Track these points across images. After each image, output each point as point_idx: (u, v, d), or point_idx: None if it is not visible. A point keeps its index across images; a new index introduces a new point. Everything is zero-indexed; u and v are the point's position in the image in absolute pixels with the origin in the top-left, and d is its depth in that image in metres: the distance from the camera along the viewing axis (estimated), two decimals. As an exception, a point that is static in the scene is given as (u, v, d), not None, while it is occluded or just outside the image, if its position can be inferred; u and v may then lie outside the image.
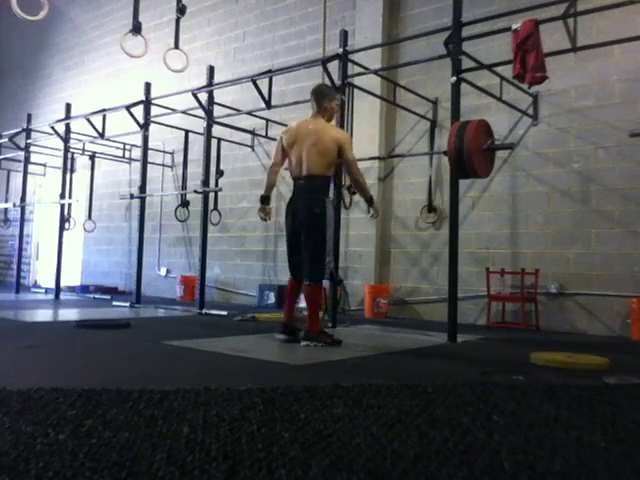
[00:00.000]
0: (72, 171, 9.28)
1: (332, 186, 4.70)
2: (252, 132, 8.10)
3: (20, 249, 9.49)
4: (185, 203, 8.37)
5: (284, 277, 7.95)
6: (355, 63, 5.84)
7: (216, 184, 7.77)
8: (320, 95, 4.37)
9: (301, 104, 6.87)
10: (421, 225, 6.87)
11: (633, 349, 4.79)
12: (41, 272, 11.61)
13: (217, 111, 6.97)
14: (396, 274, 7.04)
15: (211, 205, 7.61)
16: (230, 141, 8.14)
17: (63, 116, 8.66)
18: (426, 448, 1.76)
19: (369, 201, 4.45)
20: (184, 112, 7.40)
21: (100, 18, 11.26)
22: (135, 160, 9.28)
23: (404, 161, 7.04)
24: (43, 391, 2.33)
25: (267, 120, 7.66)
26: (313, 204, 4.17)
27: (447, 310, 4.68)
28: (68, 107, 8.66)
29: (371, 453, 1.70)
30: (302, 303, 4.67)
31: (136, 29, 6.52)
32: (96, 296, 8.78)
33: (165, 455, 1.62)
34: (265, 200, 4.46)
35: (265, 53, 8.54)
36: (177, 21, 6.79)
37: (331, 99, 4.39)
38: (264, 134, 7.84)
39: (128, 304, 7.29)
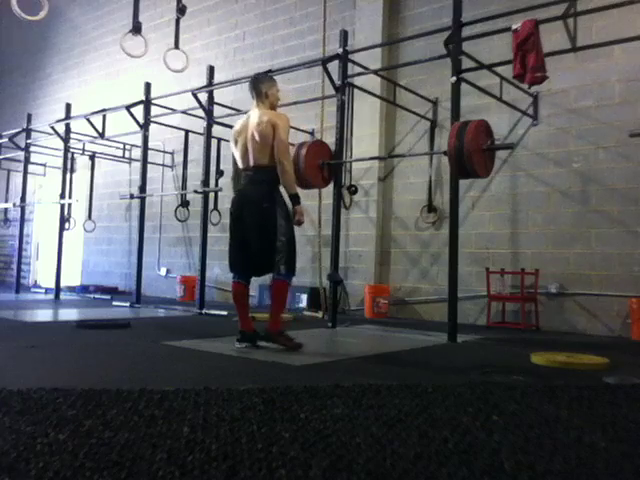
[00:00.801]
0: (72, 171, 9.28)
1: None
2: (252, 132, 8.09)
3: (20, 249, 9.49)
4: (185, 203, 8.37)
5: (284, 277, 7.95)
6: (355, 63, 5.84)
7: (216, 184, 7.77)
8: (257, 81, 4.15)
9: (301, 104, 6.88)
10: (421, 225, 6.87)
11: (633, 349, 4.79)
12: (41, 272, 11.61)
13: (217, 111, 6.98)
14: (396, 274, 7.04)
15: (211, 205, 7.61)
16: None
17: (63, 116, 8.66)
18: (426, 448, 1.76)
19: (293, 200, 3.95)
20: (184, 112, 7.40)
21: (100, 18, 11.26)
22: (135, 160, 9.28)
23: (404, 161, 7.04)
24: (43, 391, 2.33)
25: (267, 120, 7.64)
26: (262, 196, 3.90)
27: (447, 310, 4.69)
28: (68, 107, 8.66)
29: (371, 453, 1.70)
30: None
31: (136, 29, 6.52)
32: (96, 296, 8.78)
33: (165, 455, 1.62)
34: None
35: (265, 53, 8.54)
36: (177, 21, 6.79)
37: (270, 85, 4.12)
38: (264, 134, 7.82)
39: (128, 304, 7.29)
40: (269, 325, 3.95)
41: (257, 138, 3.90)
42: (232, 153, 4.21)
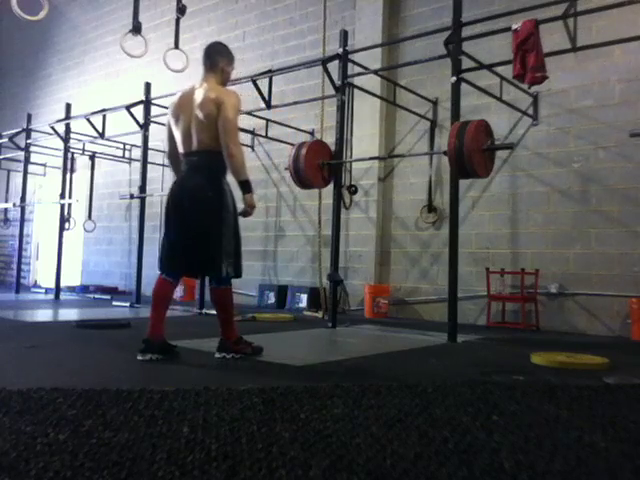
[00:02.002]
0: (72, 171, 9.28)
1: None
2: (252, 132, 8.10)
3: (20, 249, 9.49)
4: (185, 203, 8.35)
5: (284, 277, 7.96)
6: (355, 63, 5.84)
7: (216, 184, 7.75)
8: (215, 52, 3.63)
9: (301, 104, 6.88)
10: (421, 225, 6.87)
11: (633, 349, 4.79)
12: (41, 272, 11.61)
13: (217, 111, 6.96)
14: (396, 274, 7.04)
15: (211, 205, 7.59)
16: (230, 141, 8.13)
17: (63, 116, 8.66)
18: (426, 448, 1.76)
19: (243, 187, 3.43)
20: (184, 112, 7.39)
21: (100, 18, 11.26)
22: (135, 160, 9.28)
23: (404, 161, 7.04)
24: (43, 391, 2.33)
25: (267, 120, 7.65)
26: (205, 184, 3.39)
27: (447, 310, 4.68)
28: (68, 107, 8.66)
29: (371, 453, 1.70)
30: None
31: (136, 29, 6.51)
32: (96, 296, 8.78)
33: (165, 455, 1.62)
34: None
35: (265, 53, 8.54)
36: (177, 21, 6.79)
37: (229, 61, 3.67)
38: (264, 134, 7.83)
39: (128, 304, 7.29)
40: (223, 334, 3.50)
41: (201, 117, 3.41)
42: (167, 129, 3.64)
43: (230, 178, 3.49)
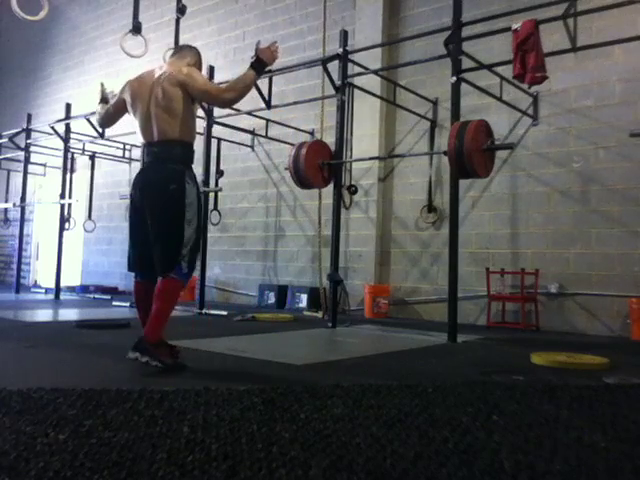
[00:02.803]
0: (72, 171, 9.27)
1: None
2: (252, 132, 8.10)
3: (20, 249, 9.48)
4: (185, 203, 8.35)
5: (284, 277, 7.96)
6: (355, 63, 5.84)
7: (216, 184, 7.77)
8: (188, 47, 3.55)
9: (301, 104, 6.88)
10: (421, 225, 6.87)
11: (633, 349, 4.79)
12: (41, 272, 11.61)
13: (217, 111, 6.97)
14: (396, 274, 7.04)
15: (211, 205, 7.61)
16: (230, 141, 8.14)
17: (63, 116, 8.65)
18: (426, 448, 1.76)
19: (258, 70, 3.25)
20: (184, 112, 7.39)
21: (100, 18, 11.26)
22: (135, 160, 9.27)
23: (404, 161, 7.04)
24: (43, 391, 2.33)
25: (267, 120, 7.65)
26: (168, 178, 3.15)
27: (447, 310, 4.68)
28: (68, 107, 8.66)
29: (371, 453, 1.70)
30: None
31: (136, 29, 6.51)
32: (96, 296, 8.78)
33: (165, 455, 1.62)
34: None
35: (265, 53, 8.52)
36: (177, 21, 6.77)
37: (195, 61, 3.45)
38: (264, 134, 7.83)
39: (128, 304, 7.28)
40: (146, 330, 3.04)
41: (161, 103, 3.13)
42: (116, 102, 3.45)
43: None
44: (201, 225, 3.33)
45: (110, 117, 3.55)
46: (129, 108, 3.34)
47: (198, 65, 3.47)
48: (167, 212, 3.14)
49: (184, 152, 3.24)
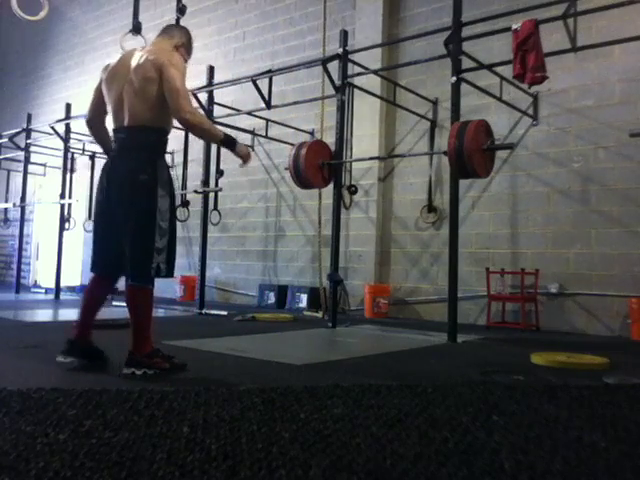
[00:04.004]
0: (72, 171, 9.27)
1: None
2: (252, 132, 8.10)
3: (20, 249, 9.49)
4: (185, 203, 8.35)
5: (284, 277, 7.96)
6: (355, 63, 5.83)
7: (216, 184, 7.77)
8: (178, 28, 3.37)
9: (301, 104, 6.88)
10: (421, 225, 6.87)
11: (633, 349, 4.79)
12: (41, 272, 11.60)
13: (217, 111, 6.97)
14: (396, 274, 7.03)
15: (211, 205, 7.60)
16: (230, 141, 8.13)
17: (63, 116, 8.66)
18: (426, 448, 1.76)
19: (226, 145, 3.15)
20: (184, 112, 7.39)
21: (100, 18, 11.26)
22: (135, 160, 9.27)
23: (404, 161, 7.04)
24: (43, 391, 2.33)
25: (267, 120, 7.65)
26: (138, 167, 2.89)
27: (447, 310, 4.68)
28: (68, 107, 8.66)
29: (371, 453, 1.70)
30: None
31: (136, 29, 6.49)
32: (96, 296, 8.76)
33: (165, 455, 1.62)
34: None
35: (265, 53, 8.54)
36: (177, 21, 6.75)
37: (186, 46, 3.28)
38: (264, 134, 7.83)
39: (128, 304, 7.28)
40: (133, 347, 2.90)
41: (136, 85, 2.88)
42: (95, 92, 3.15)
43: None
44: (175, 219, 3.10)
45: (94, 107, 3.16)
46: (104, 90, 3.04)
47: (187, 46, 3.25)
48: (137, 205, 2.89)
49: (155, 139, 2.96)
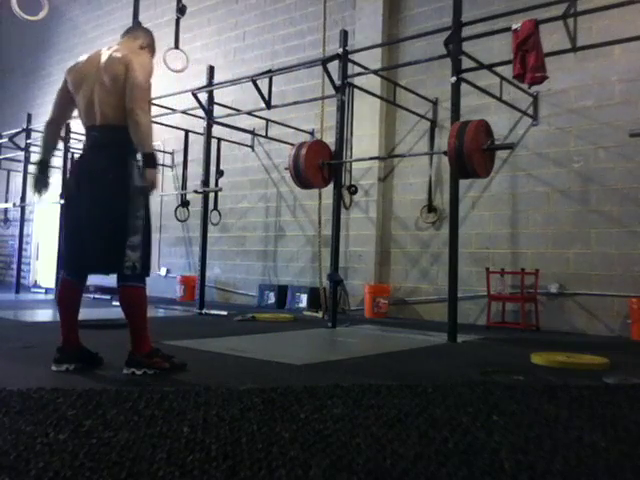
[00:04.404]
0: (72, 171, 9.27)
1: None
2: (252, 132, 8.10)
3: (20, 249, 9.49)
4: (185, 203, 8.37)
5: (284, 277, 7.96)
6: (355, 63, 5.83)
7: (216, 184, 7.77)
8: (142, 29, 3.36)
9: (301, 104, 6.88)
10: (421, 225, 6.87)
11: (633, 349, 4.79)
12: (41, 272, 11.61)
13: (217, 111, 6.97)
14: (396, 274, 7.03)
15: (211, 205, 7.61)
16: (230, 141, 8.14)
17: (63, 116, 8.65)
18: (426, 448, 1.76)
19: (146, 160, 2.90)
20: (184, 112, 7.40)
21: (100, 18, 11.26)
22: (135, 160, 9.27)
23: (404, 161, 7.04)
24: (43, 391, 2.33)
25: (267, 120, 7.65)
26: (109, 165, 2.90)
27: (447, 310, 4.68)
28: (68, 107, 8.66)
29: (371, 453, 1.70)
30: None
31: (136, 29, 6.50)
32: (96, 296, 8.78)
33: (165, 455, 1.62)
34: (43, 167, 3.21)
35: (265, 53, 8.54)
36: (177, 21, 6.78)
37: (150, 47, 3.26)
38: (264, 134, 7.83)
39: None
40: (133, 347, 2.95)
41: (106, 82, 2.91)
42: (59, 93, 3.18)
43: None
44: (150, 217, 3.03)
45: (58, 108, 3.16)
46: (72, 90, 3.05)
47: (151, 48, 3.26)
48: (108, 204, 2.88)
49: (127, 137, 2.89)
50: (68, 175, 3.07)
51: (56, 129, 3.22)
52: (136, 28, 3.34)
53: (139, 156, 2.95)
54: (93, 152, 2.97)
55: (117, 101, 2.89)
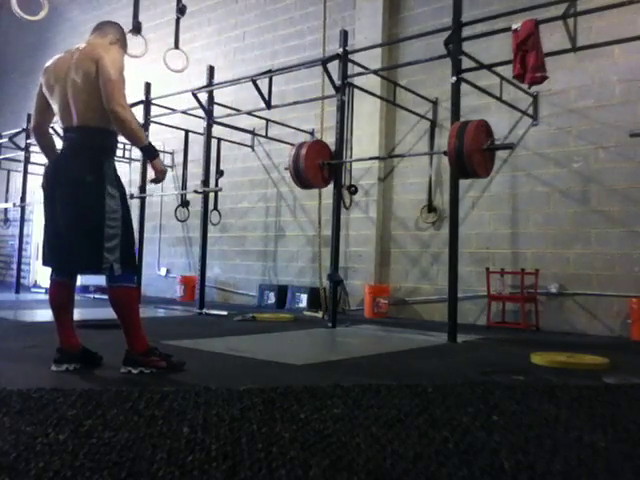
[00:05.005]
0: (72, 171, 9.27)
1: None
2: (252, 132, 8.10)
3: (20, 249, 9.49)
4: (185, 203, 8.36)
5: (284, 277, 7.96)
6: (355, 63, 5.84)
7: (216, 184, 7.77)
8: (110, 24, 3.23)
9: (301, 104, 6.88)
10: (421, 225, 6.87)
11: (633, 349, 4.79)
12: (41, 272, 11.60)
13: (217, 111, 6.97)
14: (396, 274, 7.03)
15: (211, 205, 7.61)
16: (230, 141, 8.14)
17: (63, 116, 8.65)
18: (426, 448, 1.76)
19: (145, 153, 3.10)
20: (184, 112, 7.40)
21: (100, 18, 11.07)
22: (135, 160, 9.28)
23: (404, 161, 7.04)
24: (43, 391, 2.33)
25: (267, 120, 7.65)
26: (84, 168, 2.87)
27: (447, 310, 4.68)
28: (68, 107, 8.66)
29: (371, 453, 1.70)
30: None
31: (136, 29, 6.52)
32: (96, 296, 8.77)
33: (165, 455, 1.62)
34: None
35: (265, 53, 8.54)
36: (177, 21, 6.79)
37: (120, 42, 3.18)
38: (264, 134, 7.83)
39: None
40: (130, 346, 2.95)
41: (79, 81, 2.86)
42: (38, 98, 3.09)
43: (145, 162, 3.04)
44: (130, 219, 3.04)
45: (39, 112, 3.11)
46: (46, 93, 3.01)
47: (122, 43, 3.21)
48: (83, 207, 2.87)
49: (105, 140, 2.94)
50: (43, 176, 3.04)
51: (44, 133, 3.17)
52: (105, 23, 3.24)
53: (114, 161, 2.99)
54: (69, 153, 2.96)
55: (91, 99, 2.85)
